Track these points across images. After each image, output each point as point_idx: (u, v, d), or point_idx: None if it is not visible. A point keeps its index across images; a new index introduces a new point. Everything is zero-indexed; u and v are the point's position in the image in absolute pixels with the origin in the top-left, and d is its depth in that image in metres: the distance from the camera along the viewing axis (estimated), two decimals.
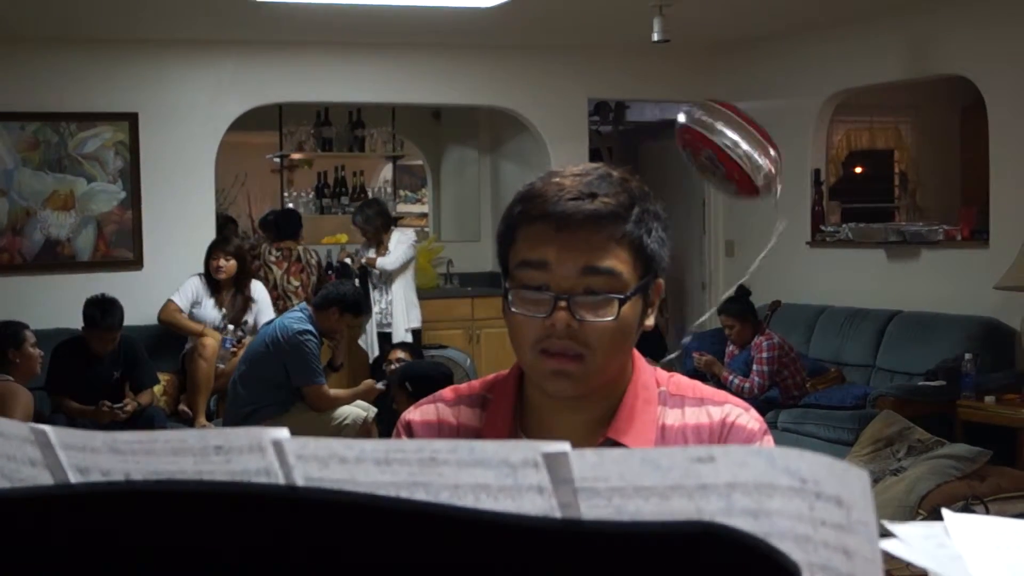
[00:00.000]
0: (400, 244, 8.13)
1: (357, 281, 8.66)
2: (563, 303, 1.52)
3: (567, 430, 1.61)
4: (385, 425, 6.42)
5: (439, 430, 1.67)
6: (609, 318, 1.53)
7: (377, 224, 8.16)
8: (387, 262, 8.07)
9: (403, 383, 5.91)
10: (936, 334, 7.16)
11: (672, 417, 1.63)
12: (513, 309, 1.56)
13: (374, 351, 8.17)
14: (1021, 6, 6.93)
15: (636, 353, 1.67)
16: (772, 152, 5.69)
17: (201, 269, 7.62)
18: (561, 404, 1.62)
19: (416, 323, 8.21)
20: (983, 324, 7.05)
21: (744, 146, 5.69)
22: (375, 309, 8.29)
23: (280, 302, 7.98)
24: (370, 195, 10.86)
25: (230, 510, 0.80)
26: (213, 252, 7.53)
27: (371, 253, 8.21)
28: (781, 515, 0.71)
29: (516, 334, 1.57)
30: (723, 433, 1.60)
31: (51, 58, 7.84)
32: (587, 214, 1.52)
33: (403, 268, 8.16)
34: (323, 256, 9.45)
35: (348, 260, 8.61)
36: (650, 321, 1.63)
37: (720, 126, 5.74)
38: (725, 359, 7.32)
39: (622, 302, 1.53)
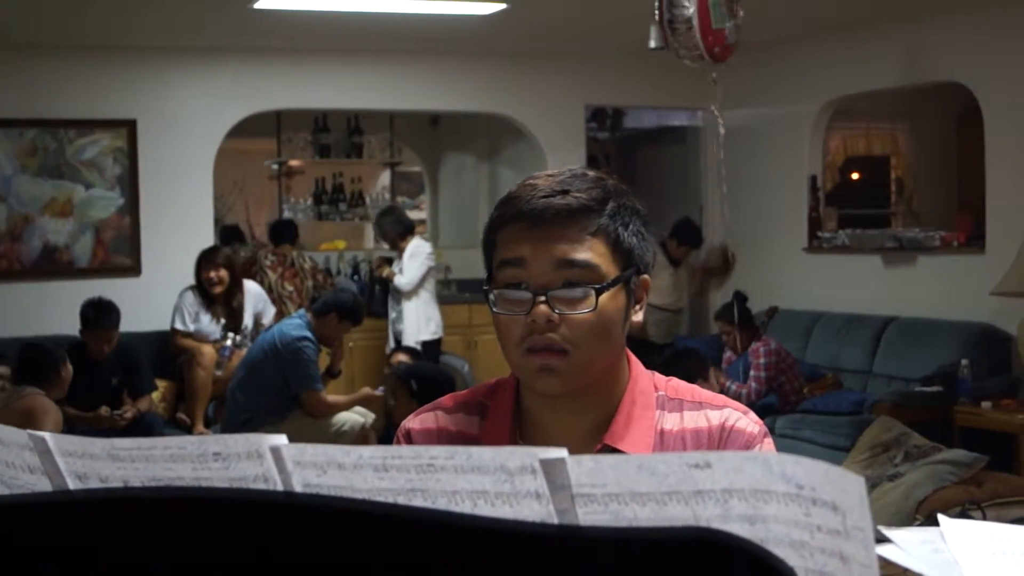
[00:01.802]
0: (414, 259, 8.08)
1: (378, 287, 8.71)
2: (541, 298, 1.53)
3: (564, 436, 1.61)
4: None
5: (438, 438, 1.67)
6: (586, 310, 1.53)
7: (393, 234, 8.17)
8: (403, 282, 8.07)
9: (408, 380, 5.89)
10: (933, 340, 7.17)
11: (671, 422, 1.62)
12: (495, 310, 1.57)
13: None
14: (1017, 13, 6.94)
15: (633, 358, 1.67)
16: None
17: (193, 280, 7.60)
18: (558, 409, 1.62)
19: (430, 335, 8.18)
20: (979, 330, 7.05)
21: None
22: (391, 316, 8.31)
23: (275, 306, 7.98)
24: (368, 202, 10.87)
25: (228, 516, 0.80)
26: (204, 265, 7.44)
27: (394, 264, 8.23)
28: (777, 521, 0.72)
29: (502, 335, 1.58)
30: (722, 437, 1.60)
31: (50, 65, 7.83)
32: (558, 209, 1.53)
33: (419, 283, 8.16)
34: (321, 262, 9.46)
35: (381, 271, 8.58)
36: (638, 317, 1.63)
37: None
38: (723, 365, 7.32)
39: (599, 292, 1.53)
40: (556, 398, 1.59)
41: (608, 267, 1.55)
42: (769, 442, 1.62)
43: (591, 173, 1.60)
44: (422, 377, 5.92)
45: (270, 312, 7.67)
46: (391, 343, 8.30)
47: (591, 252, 1.54)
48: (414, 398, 5.76)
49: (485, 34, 8.03)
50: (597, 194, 1.56)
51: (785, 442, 6.83)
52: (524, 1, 6.98)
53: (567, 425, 1.63)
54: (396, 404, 6.07)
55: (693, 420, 1.62)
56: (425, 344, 8.04)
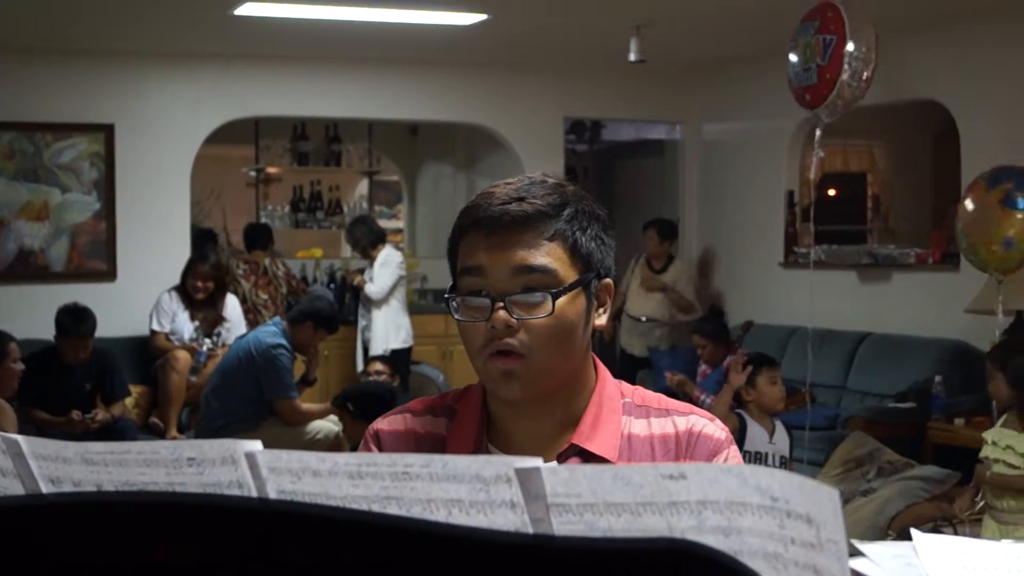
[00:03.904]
0: (385, 267, 8.12)
1: (348, 295, 8.73)
2: (500, 304, 1.54)
3: (531, 438, 1.63)
4: None
5: (406, 439, 1.68)
6: (543, 315, 1.54)
7: (365, 242, 8.19)
8: (373, 291, 8.10)
9: (345, 404, 5.91)
10: (907, 356, 7.19)
11: (638, 427, 1.64)
12: (457, 317, 1.59)
13: (359, 365, 8.20)
14: (994, 32, 6.99)
15: (601, 364, 1.68)
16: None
17: (174, 282, 7.60)
18: (523, 414, 1.63)
19: (401, 343, 8.19)
20: (953, 347, 7.08)
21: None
22: (360, 324, 8.32)
23: (250, 315, 7.96)
24: (345, 210, 10.86)
25: (202, 522, 0.80)
26: (192, 272, 7.49)
27: (365, 273, 8.26)
28: (752, 533, 0.72)
29: (465, 341, 1.60)
30: (690, 442, 1.62)
31: (28, 68, 7.80)
32: (514, 215, 1.54)
33: (389, 292, 8.18)
34: (296, 270, 9.44)
35: (352, 279, 8.61)
36: (601, 321, 1.64)
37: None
38: (697, 378, 7.33)
39: (555, 296, 1.54)
40: (519, 403, 1.60)
41: (566, 272, 1.56)
42: (735, 449, 1.64)
43: (550, 179, 1.61)
44: (357, 397, 5.94)
45: (237, 332, 7.59)
46: (360, 351, 8.30)
47: (548, 257, 1.55)
48: (358, 418, 5.75)
49: (465, 45, 8.04)
50: (554, 199, 1.57)
51: None
52: (505, 12, 6.99)
53: (533, 428, 1.64)
54: (343, 429, 6.08)
55: (660, 426, 1.63)
56: (395, 352, 8.04)
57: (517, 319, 1.54)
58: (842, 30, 6.05)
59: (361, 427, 5.82)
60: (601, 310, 1.64)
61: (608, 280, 1.64)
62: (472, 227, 1.58)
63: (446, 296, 1.61)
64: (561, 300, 1.55)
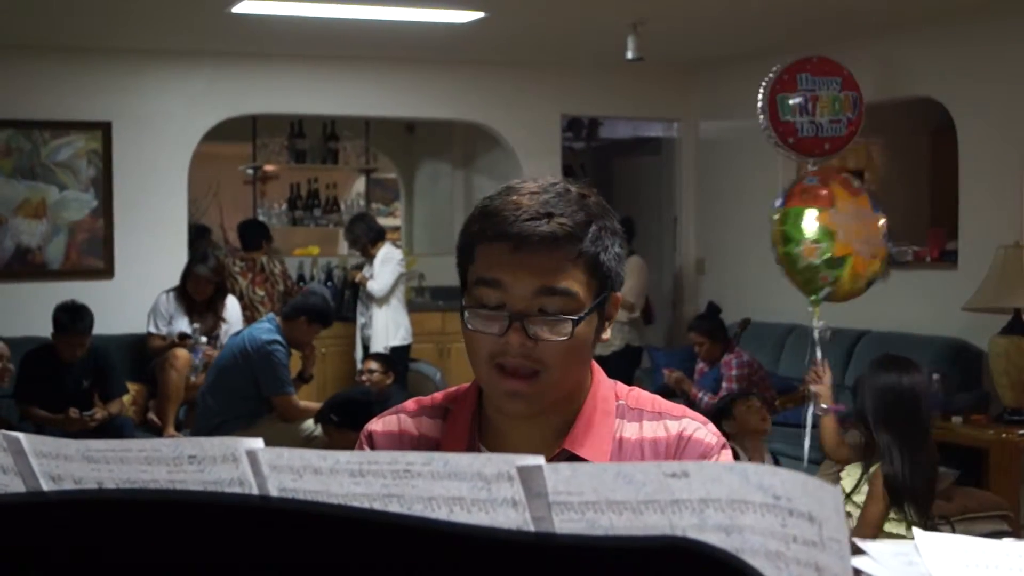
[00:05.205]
0: (385, 265, 8.12)
1: (348, 292, 8.73)
2: (517, 323, 1.52)
3: (524, 441, 1.62)
4: None
5: (400, 440, 1.68)
6: (563, 337, 1.53)
7: (364, 240, 8.20)
8: (376, 288, 8.11)
9: (328, 415, 5.91)
10: (904, 354, 7.17)
11: (630, 431, 1.63)
12: (469, 326, 1.57)
13: (359, 363, 8.20)
14: (991, 29, 6.99)
15: (596, 366, 1.68)
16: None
17: (172, 282, 7.58)
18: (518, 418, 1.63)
19: (400, 340, 8.20)
20: (951, 345, 7.08)
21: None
22: (359, 321, 8.32)
23: (247, 312, 7.95)
24: (343, 208, 10.85)
25: (203, 520, 0.80)
26: (191, 277, 7.48)
27: (365, 270, 8.26)
28: (754, 531, 0.72)
29: (472, 348, 1.58)
30: (679, 446, 1.61)
31: (25, 65, 7.79)
32: (543, 236, 1.52)
33: (391, 289, 8.19)
34: (294, 268, 9.43)
35: (354, 276, 8.62)
36: (606, 334, 1.63)
37: None
38: (695, 376, 7.33)
39: (576, 323, 1.53)
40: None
41: (586, 295, 1.55)
42: (727, 453, 1.63)
43: (573, 189, 1.58)
44: (338, 406, 5.94)
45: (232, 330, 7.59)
46: (359, 349, 8.30)
47: (571, 280, 1.53)
48: (345, 427, 5.75)
49: (463, 42, 8.04)
50: (581, 218, 1.54)
51: None
52: (502, 10, 6.98)
53: (526, 430, 1.63)
54: (330, 440, 6.08)
55: (652, 430, 1.63)
56: (394, 350, 8.04)
57: (533, 339, 1.53)
58: (858, 89, 6.59)
59: (347, 436, 5.82)
60: (607, 323, 1.63)
61: (618, 294, 1.63)
62: (497, 239, 1.54)
63: (462, 306, 1.59)
64: (579, 324, 1.54)
